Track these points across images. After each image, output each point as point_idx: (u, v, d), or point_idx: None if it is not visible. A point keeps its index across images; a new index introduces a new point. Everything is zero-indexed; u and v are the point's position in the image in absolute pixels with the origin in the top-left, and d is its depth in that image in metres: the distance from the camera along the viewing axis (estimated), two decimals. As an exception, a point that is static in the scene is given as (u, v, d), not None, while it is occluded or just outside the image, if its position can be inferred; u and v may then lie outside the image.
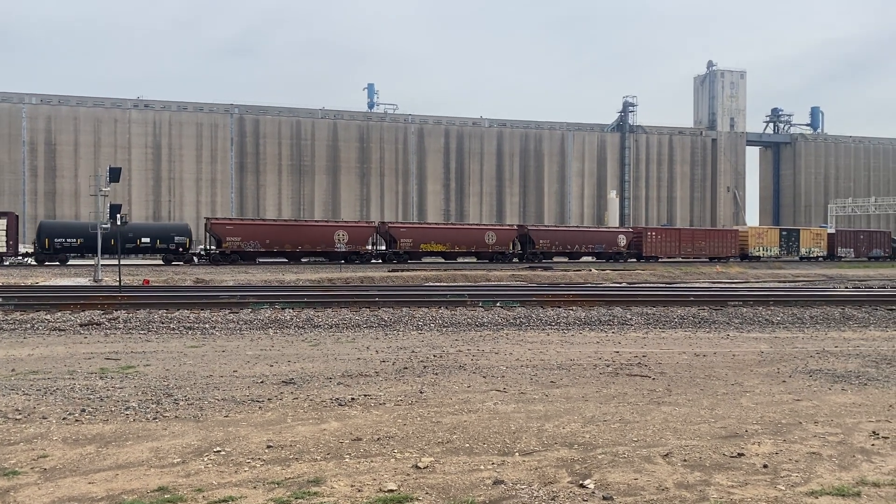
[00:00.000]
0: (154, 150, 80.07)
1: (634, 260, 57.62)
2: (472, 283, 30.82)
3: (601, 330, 15.31)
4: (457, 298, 19.12)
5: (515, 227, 58.27)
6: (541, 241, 55.49)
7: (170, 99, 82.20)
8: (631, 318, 16.73)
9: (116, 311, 16.50)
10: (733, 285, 31.23)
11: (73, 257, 44.75)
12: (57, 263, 42.39)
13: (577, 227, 70.68)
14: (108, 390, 8.49)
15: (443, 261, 51.59)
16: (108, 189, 33.31)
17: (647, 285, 30.96)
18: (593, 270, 41.37)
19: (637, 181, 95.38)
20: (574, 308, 17.96)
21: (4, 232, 42.70)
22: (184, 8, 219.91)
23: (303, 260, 48.12)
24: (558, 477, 5.41)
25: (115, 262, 45.02)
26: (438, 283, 30.78)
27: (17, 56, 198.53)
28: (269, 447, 6.13)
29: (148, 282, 28.85)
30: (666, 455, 5.95)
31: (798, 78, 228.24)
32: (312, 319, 15.86)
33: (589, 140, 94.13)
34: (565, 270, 40.92)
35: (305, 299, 18.50)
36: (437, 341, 13.20)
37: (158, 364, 10.44)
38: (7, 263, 42.58)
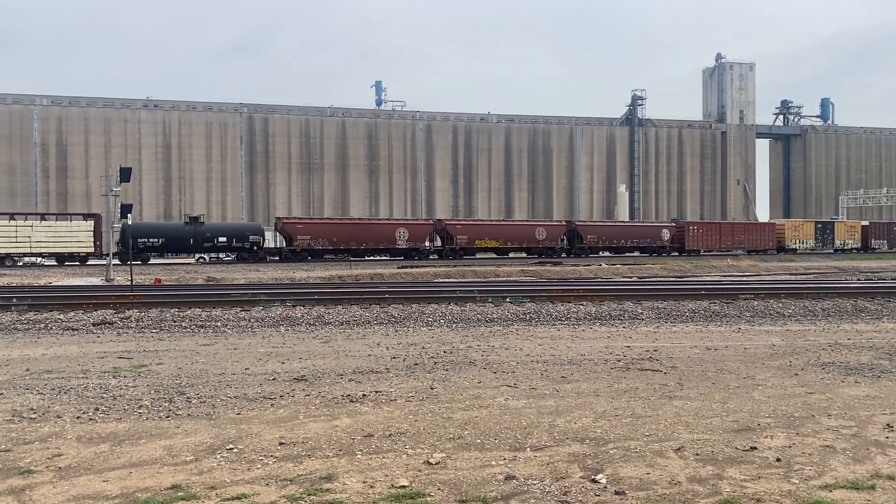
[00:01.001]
0: (164, 149, 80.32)
1: (677, 253, 58.21)
2: (482, 279, 30.79)
3: (611, 325, 15.26)
4: (466, 294, 19.12)
5: (564, 223, 58.89)
6: (588, 237, 56.27)
7: (179, 99, 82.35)
8: (641, 313, 16.67)
9: (129, 310, 16.60)
10: (744, 278, 31.08)
11: (154, 256, 46.12)
12: (139, 262, 42.95)
13: (622, 222, 71.15)
14: (121, 389, 8.55)
15: (495, 256, 52.70)
16: (119, 189, 33.52)
17: (658, 279, 30.84)
18: (603, 265, 41.34)
19: (646, 175, 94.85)
20: (584, 303, 17.92)
21: (92, 233, 43.63)
22: (191, 7, 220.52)
23: (367, 257, 49.57)
24: (570, 472, 5.41)
25: (194, 260, 46.38)
26: (448, 280, 30.78)
27: (28, 58, 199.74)
28: (281, 444, 6.16)
29: (159, 281, 29.01)
30: (678, 449, 5.94)
31: (807, 69, 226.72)
32: (323, 316, 15.90)
33: (598, 134, 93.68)
34: (575, 265, 40.90)
35: (316, 296, 18.54)
36: (447, 337, 13.20)
37: (171, 362, 10.50)
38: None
